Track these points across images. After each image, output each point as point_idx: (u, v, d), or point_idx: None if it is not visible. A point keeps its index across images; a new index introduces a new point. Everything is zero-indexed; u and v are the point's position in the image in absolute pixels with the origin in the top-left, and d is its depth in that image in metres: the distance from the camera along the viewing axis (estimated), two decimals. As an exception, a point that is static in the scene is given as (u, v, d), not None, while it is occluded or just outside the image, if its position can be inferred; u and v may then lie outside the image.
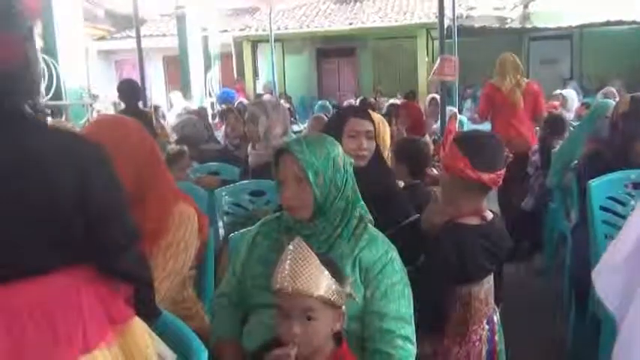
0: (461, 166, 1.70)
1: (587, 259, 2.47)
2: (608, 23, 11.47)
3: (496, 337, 1.83)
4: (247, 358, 1.51)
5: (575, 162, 3.25)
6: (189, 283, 1.93)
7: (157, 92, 13.07)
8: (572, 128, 5.32)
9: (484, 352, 1.78)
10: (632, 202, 2.57)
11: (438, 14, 4.66)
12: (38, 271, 1.15)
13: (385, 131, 2.77)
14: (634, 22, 11.36)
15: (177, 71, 12.36)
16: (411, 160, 2.65)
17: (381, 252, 1.52)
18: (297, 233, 1.48)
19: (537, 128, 4.73)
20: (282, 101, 7.87)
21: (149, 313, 1.37)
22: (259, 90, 13.19)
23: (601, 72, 12.07)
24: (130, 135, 1.71)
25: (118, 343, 1.24)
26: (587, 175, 2.69)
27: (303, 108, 12.57)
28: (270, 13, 9.50)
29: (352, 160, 1.62)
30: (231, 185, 3.08)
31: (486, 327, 1.80)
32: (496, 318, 1.86)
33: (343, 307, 1.34)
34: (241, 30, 13.86)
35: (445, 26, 4.82)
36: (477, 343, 1.77)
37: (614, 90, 5.66)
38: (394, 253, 1.55)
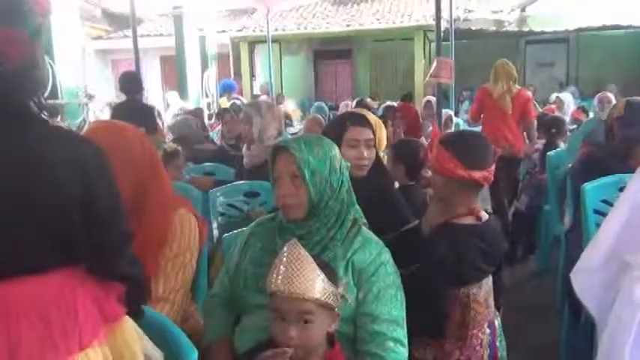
0: (451, 166, 1.71)
1: (581, 262, 2.47)
2: (604, 27, 11.50)
3: (497, 343, 1.82)
4: (239, 359, 1.51)
5: (570, 165, 3.26)
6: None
7: (153, 92, 13.03)
8: (568, 133, 5.37)
9: (485, 357, 1.77)
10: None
11: (435, 17, 4.67)
12: (36, 271, 1.15)
13: (382, 133, 2.77)
14: (630, 27, 11.39)
15: (173, 71, 12.33)
16: (407, 161, 2.65)
17: (374, 254, 1.52)
18: (291, 234, 1.48)
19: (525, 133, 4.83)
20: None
21: (138, 312, 1.37)
22: (256, 91, 13.19)
23: (597, 76, 12.12)
24: (131, 146, 1.68)
25: (108, 341, 1.24)
26: (581, 178, 2.69)
27: (302, 110, 12.56)
28: (267, 14, 9.50)
29: (349, 164, 1.62)
30: (226, 186, 3.07)
31: (487, 331, 1.79)
32: (497, 322, 1.84)
33: (337, 308, 1.34)
34: (238, 31, 13.84)
35: (442, 29, 4.84)
36: (477, 348, 1.76)
37: (610, 95, 5.68)
38: (387, 256, 1.55)
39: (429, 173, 3.19)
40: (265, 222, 1.68)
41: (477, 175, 1.70)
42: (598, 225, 2.55)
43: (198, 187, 2.98)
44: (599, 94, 6.00)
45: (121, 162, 1.50)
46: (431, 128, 5.18)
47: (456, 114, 7.90)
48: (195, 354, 1.35)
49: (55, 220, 1.15)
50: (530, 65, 13.76)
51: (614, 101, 4.90)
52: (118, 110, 5.08)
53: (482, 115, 4.95)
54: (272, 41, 9.76)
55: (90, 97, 8.70)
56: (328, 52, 15.40)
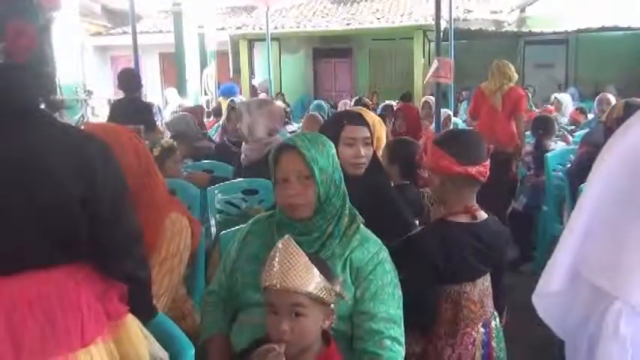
0: (446, 164, 1.72)
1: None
2: (603, 29, 11.52)
3: (493, 343, 1.81)
4: (236, 356, 1.51)
5: (568, 165, 3.27)
6: (181, 283, 1.93)
7: (152, 89, 13.01)
8: (567, 133, 5.38)
9: (478, 356, 1.77)
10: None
11: (434, 16, 4.67)
12: (39, 266, 1.16)
13: (381, 131, 2.76)
14: (629, 28, 11.42)
15: (172, 68, 12.31)
16: (401, 160, 2.66)
17: (373, 252, 1.52)
18: (290, 231, 1.47)
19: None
20: (279, 102, 7.86)
21: (146, 313, 1.38)
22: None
23: (596, 77, 12.14)
24: (125, 153, 1.64)
25: (112, 339, 1.25)
26: (579, 178, 2.69)
27: (303, 108, 12.54)
28: (267, 12, 9.50)
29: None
30: (224, 183, 3.07)
31: (482, 330, 1.78)
32: (494, 323, 1.84)
33: (332, 304, 1.34)
34: (238, 28, 13.83)
35: (442, 28, 4.85)
36: (470, 347, 1.76)
37: (610, 96, 5.68)
38: (385, 254, 1.55)
39: (427, 173, 3.20)
40: (263, 219, 1.68)
41: (473, 170, 1.71)
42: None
43: (196, 183, 2.98)
44: (600, 95, 6.00)
45: None
46: (430, 127, 5.19)
47: (455, 114, 7.90)
48: (193, 351, 1.36)
49: (57, 216, 1.15)
50: (529, 66, 13.75)
51: (613, 102, 4.91)
52: (117, 107, 5.07)
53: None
54: (271, 39, 9.76)
55: (88, 93, 8.69)
56: (328, 51, 15.40)
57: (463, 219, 1.76)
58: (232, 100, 6.96)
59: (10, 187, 1.12)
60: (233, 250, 1.66)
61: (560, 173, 3.97)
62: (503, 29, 12.65)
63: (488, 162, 1.76)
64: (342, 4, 14.87)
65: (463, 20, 12.16)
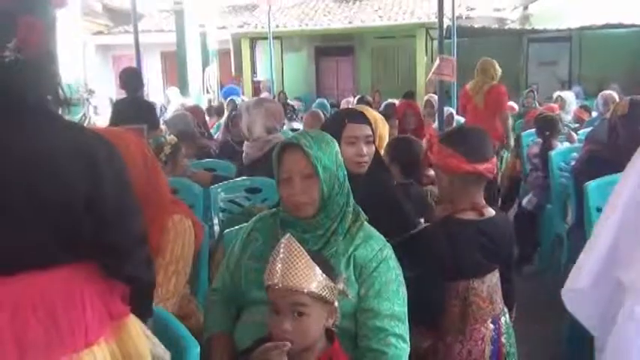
0: (455, 163, 1.72)
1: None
2: (607, 26, 11.50)
3: (502, 339, 1.81)
4: (239, 355, 1.50)
5: (573, 163, 3.25)
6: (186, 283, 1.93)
7: (154, 88, 13.02)
8: (572, 132, 5.35)
9: (488, 352, 1.77)
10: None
11: (437, 14, 4.66)
12: (42, 266, 1.15)
13: (383, 129, 2.75)
14: (633, 25, 11.39)
15: (174, 67, 12.33)
16: (402, 159, 2.65)
17: (376, 250, 1.52)
18: (294, 229, 1.47)
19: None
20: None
21: (145, 313, 1.37)
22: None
23: (600, 74, 12.09)
24: (132, 159, 1.61)
25: (115, 339, 1.25)
26: (584, 176, 2.68)
27: (305, 107, 12.56)
28: (269, 11, 9.50)
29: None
30: (227, 182, 3.06)
31: (491, 327, 1.79)
32: (504, 319, 1.84)
33: (335, 302, 1.33)
34: (240, 27, 13.83)
35: (444, 26, 4.84)
36: (479, 342, 1.76)
37: (614, 94, 5.65)
38: (389, 251, 1.54)
39: (432, 172, 3.19)
40: (267, 217, 1.67)
41: (481, 167, 1.72)
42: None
43: (198, 182, 2.97)
44: (604, 92, 5.96)
45: None
46: (433, 126, 5.17)
47: (458, 112, 7.88)
48: (198, 349, 1.36)
49: (61, 216, 1.15)
50: (532, 64, 13.73)
51: (617, 100, 4.88)
52: (119, 107, 5.08)
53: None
54: (273, 38, 9.76)
55: (90, 92, 8.69)
56: (330, 49, 15.39)
57: (470, 216, 1.76)
58: (232, 100, 6.94)
59: (14, 185, 1.11)
60: (236, 248, 1.66)
61: (565, 173, 3.95)
62: (506, 27, 12.64)
63: (495, 158, 1.76)
64: (344, 2, 14.86)
65: (466, 18, 12.15)
